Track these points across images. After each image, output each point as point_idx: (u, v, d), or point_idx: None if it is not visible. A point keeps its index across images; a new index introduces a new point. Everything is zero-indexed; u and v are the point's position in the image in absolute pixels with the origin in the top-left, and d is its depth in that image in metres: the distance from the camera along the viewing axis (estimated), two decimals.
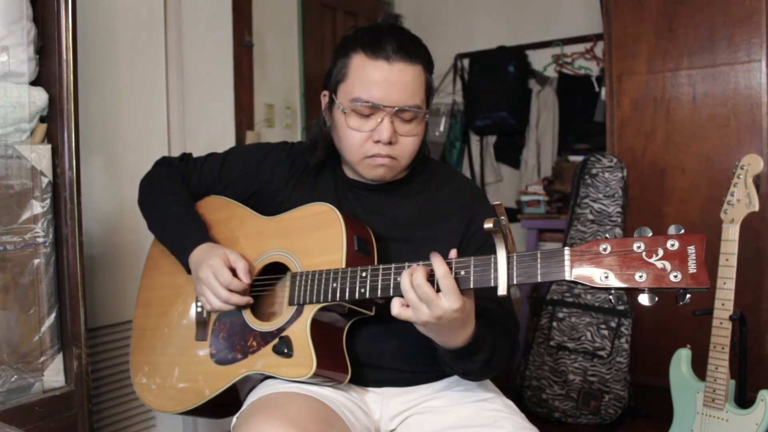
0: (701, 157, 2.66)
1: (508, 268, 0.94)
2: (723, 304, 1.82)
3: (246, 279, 1.21)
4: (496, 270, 0.95)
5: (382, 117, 1.16)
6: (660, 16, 2.70)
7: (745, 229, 1.82)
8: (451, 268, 0.98)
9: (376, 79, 1.15)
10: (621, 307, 2.52)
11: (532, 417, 2.11)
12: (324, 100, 1.27)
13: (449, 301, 0.96)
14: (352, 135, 1.19)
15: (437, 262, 0.97)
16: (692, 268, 0.85)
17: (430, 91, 1.22)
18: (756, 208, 1.80)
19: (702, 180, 2.65)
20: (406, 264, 1.04)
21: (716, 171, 2.61)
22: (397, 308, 1.01)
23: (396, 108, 1.15)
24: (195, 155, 1.47)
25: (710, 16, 2.60)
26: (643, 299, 0.87)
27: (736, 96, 2.58)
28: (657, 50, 2.72)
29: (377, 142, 1.17)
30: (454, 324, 1.00)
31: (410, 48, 1.17)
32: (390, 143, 1.17)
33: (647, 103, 2.76)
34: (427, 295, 0.96)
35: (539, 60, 3.79)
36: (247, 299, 1.22)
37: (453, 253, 1.01)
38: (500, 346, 1.13)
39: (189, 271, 1.29)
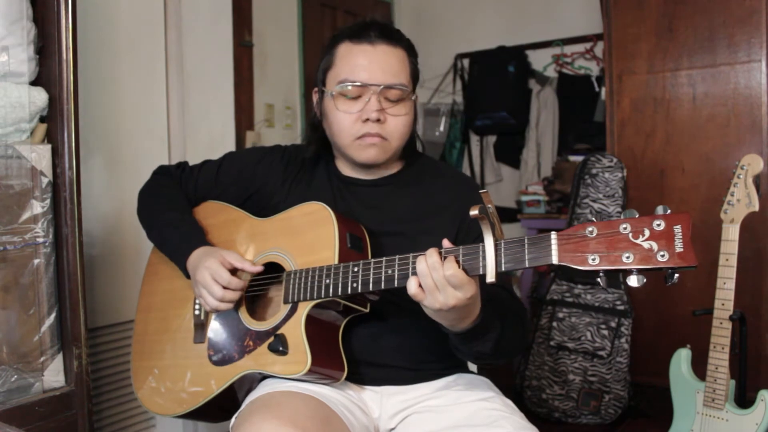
0: (701, 157, 2.65)
1: (496, 255, 0.95)
2: (723, 304, 1.82)
3: (255, 269, 1.22)
4: (484, 257, 0.96)
5: (369, 96, 1.20)
6: (660, 16, 2.70)
7: (745, 229, 1.82)
8: (441, 257, 0.98)
9: (361, 61, 1.21)
10: (621, 307, 2.52)
11: (532, 417, 2.11)
12: (315, 96, 1.32)
13: (463, 291, 0.97)
14: (342, 117, 1.23)
15: (447, 264, 0.96)
16: (679, 247, 0.85)
17: (415, 76, 1.28)
18: (756, 208, 1.80)
19: (702, 180, 2.65)
20: (397, 257, 1.05)
21: (716, 171, 2.61)
22: (414, 287, 1.00)
23: (382, 86, 1.20)
24: (195, 155, 1.49)
25: (710, 16, 2.60)
26: (632, 281, 0.88)
27: (736, 96, 2.58)
28: (657, 50, 2.71)
29: (366, 121, 1.21)
30: (464, 310, 1.01)
31: (393, 33, 1.24)
32: (378, 121, 1.20)
33: (647, 103, 2.76)
34: (442, 281, 0.97)
35: (539, 60, 3.79)
36: (240, 290, 1.23)
37: (446, 242, 1.02)
38: (510, 326, 1.13)
39: (188, 276, 1.29)
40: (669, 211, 0.87)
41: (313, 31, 3.45)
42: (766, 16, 2.48)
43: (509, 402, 1.22)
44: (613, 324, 2.51)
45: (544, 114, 3.70)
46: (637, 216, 0.88)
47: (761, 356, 2.50)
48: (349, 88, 1.21)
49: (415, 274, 1.00)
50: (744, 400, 1.86)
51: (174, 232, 1.33)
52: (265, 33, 3.15)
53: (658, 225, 0.86)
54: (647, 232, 0.86)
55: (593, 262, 0.88)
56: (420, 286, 0.99)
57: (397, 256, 1.05)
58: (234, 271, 1.22)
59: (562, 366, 2.54)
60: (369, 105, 1.20)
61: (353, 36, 1.23)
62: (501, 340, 1.10)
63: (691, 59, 2.65)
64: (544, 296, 2.68)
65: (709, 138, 2.64)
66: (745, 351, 1.88)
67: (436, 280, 0.97)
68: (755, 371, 2.40)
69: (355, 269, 1.10)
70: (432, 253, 0.98)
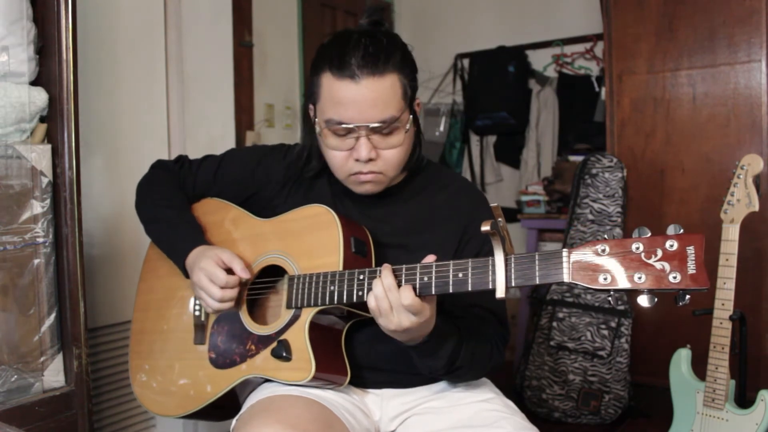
0: (701, 157, 2.66)
1: (506, 271, 0.94)
2: (723, 304, 1.82)
3: (245, 274, 1.20)
4: (494, 272, 0.95)
5: (358, 136, 1.14)
6: (660, 16, 2.70)
7: (745, 229, 1.82)
8: (431, 274, 1.00)
9: (344, 100, 1.12)
10: (621, 307, 2.51)
11: (532, 417, 2.11)
12: (311, 113, 1.25)
13: (418, 316, 1.01)
14: (333, 155, 1.18)
15: (405, 292, 1.00)
16: (692, 268, 0.84)
17: (408, 95, 1.17)
18: (756, 208, 1.80)
19: (702, 180, 2.65)
20: (404, 266, 1.04)
21: (716, 171, 2.61)
22: (374, 303, 1.03)
23: (370, 126, 1.12)
24: (195, 155, 1.47)
25: (710, 16, 2.60)
26: (643, 300, 0.87)
27: (736, 96, 2.58)
28: (657, 50, 2.71)
29: (357, 160, 1.16)
30: (418, 330, 1.04)
31: (377, 59, 1.11)
32: (371, 160, 1.15)
33: (647, 103, 2.76)
34: (397, 304, 1.00)
35: (539, 60, 3.79)
36: (237, 288, 1.22)
37: (430, 258, 1.03)
38: (472, 348, 1.14)
39: (187, 275, 1.28)
40: (682, 231, 0.86)
41: (313, 31, 3.45)
42: (766, 16, 2.49)
43: (510, 403, 1.22)
44: (613, 324, 2.51)
45: (544, 114, 3.70)
46: (649, 234, 0.87)
47: (761, 356, 2.50)
48: (336, 127, 1.14)
49: (371, 289, 1.03)
50: (744, 400, 1.86)
51: (171, 230, 1.32)
52: (265, 33, 3.15)
53: (671, 245, 0.85)
54: (660, 253, 0.85)
55: (604, 281, 0.87)
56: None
57: (404, 266, 1.04)
58: (230, 270, 1.21)
59: (562, 366, 2.54)
60: (358, 145, 1.14)
61: (334, 67, 1.12)
62: (456, 360, 1.12)
63: (691, 59, 2.65)
64: (544, 296, 2.68)
65: (709, 138, 2.64)
66: (745, 351, 1.88)
67: (392, 302, 1.00)
68: (755, 371, 2.40)
69: (360, 277, 1.08)
70: (387, 275, 1.01)
